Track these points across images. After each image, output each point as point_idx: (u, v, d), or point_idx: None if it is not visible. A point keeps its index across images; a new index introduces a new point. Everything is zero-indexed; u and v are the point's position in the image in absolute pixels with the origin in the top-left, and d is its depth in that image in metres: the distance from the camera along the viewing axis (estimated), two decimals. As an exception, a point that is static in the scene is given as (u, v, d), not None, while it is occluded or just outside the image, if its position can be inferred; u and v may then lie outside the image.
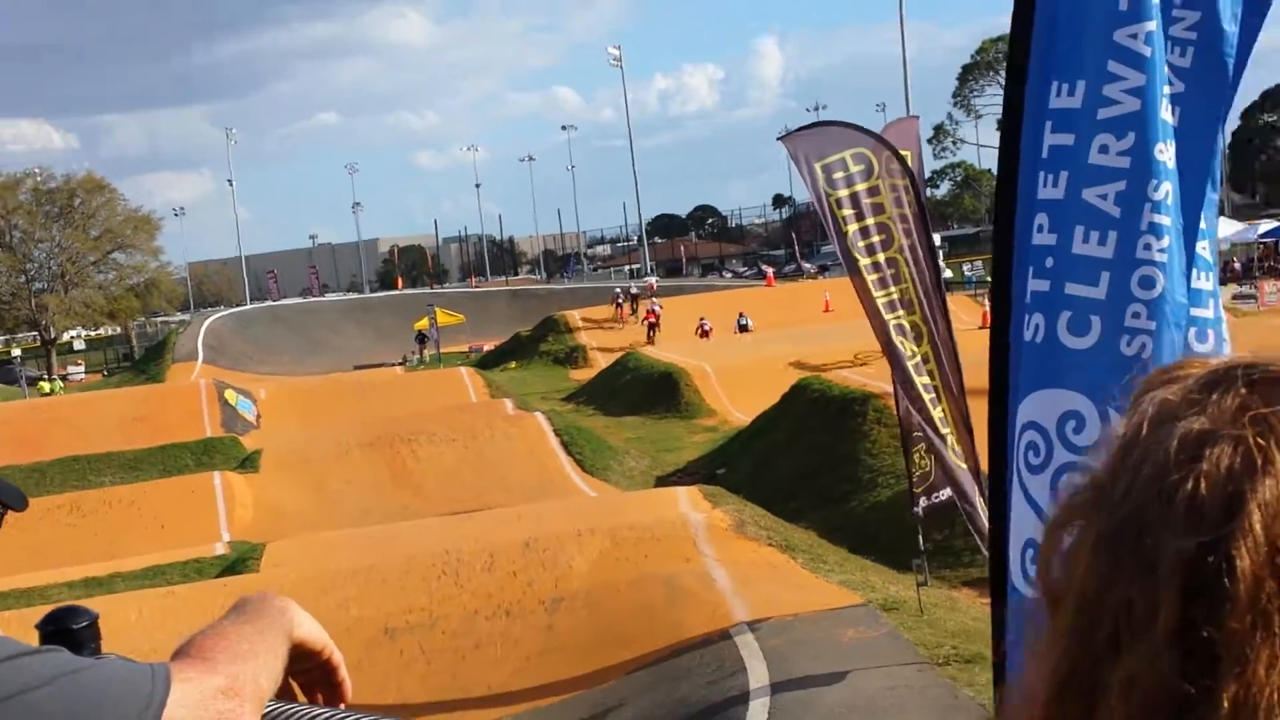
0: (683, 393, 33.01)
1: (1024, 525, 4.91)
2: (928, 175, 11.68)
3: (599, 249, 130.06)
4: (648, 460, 26.99)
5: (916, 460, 11.69)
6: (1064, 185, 4.74)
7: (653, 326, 50.20)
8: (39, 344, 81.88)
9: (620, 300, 56.27)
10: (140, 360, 68.31)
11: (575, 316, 53.37)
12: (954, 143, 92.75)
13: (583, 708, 11.45)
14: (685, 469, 26.04)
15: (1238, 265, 55.48)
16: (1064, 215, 4.73)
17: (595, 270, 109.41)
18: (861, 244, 9.29)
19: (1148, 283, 4.52)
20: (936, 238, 11.47)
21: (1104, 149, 4.67)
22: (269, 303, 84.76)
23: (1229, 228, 48.63)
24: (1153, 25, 4.49)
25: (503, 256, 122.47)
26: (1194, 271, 4.72)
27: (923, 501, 11.79)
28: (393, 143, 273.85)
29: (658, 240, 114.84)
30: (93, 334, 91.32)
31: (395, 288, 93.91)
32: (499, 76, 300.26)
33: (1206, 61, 4.58)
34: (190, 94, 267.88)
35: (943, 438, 9.78)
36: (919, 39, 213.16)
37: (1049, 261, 4.81)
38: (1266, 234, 55.24)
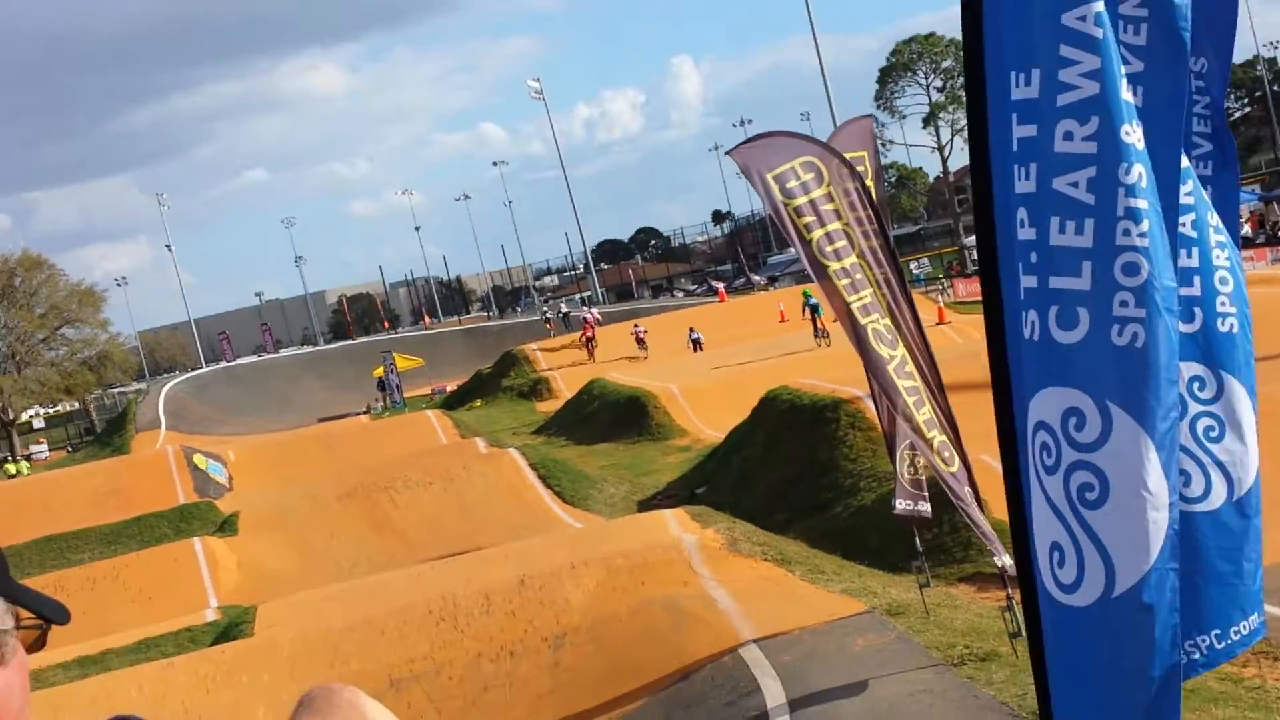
0: (652, 415, 32.98)
1: (1047, 528, 4.94)
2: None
3: (547, 280, 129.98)
4: (626, 486, 26.95)
5: (905, 465, 11.75)
6: (1035, 177, 4.78)
7: (589, 340, 50.78)
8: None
9: (550, 317, 56.75)
10: (103, 433, 67.58)
11: (533, 350, 53.31)
12: (883, 144, 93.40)
13: (601, 742, 11.41)
14: (665, 491, 26.02)
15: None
16: (1040, 208, 4.77)
17: (546, 301, 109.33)
18: (828, 249, 9.34)
19: (1132, 269, 4.54)
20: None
21: (1068, 135, 4.70)
22: (224, 364, 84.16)
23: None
24: (1099, 5, 4.51)
25: (452, 296, 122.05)
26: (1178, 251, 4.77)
27: (904, 504, 11.86)
28: (326, 193, 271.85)
29: (604, 266, 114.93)
30: (51, 411, 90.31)
31: (349, 337, 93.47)
32: (423, 119, 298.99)
33: (1161, 37, 4.60)
34: (114, 164, 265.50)
35: (928, 442, 9.83)
36: (832, 47, 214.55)
37: (1033, 256, 4.84)
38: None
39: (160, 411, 60.26)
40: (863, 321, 9.67)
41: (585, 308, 52.75)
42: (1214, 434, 5.18)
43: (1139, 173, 4.50)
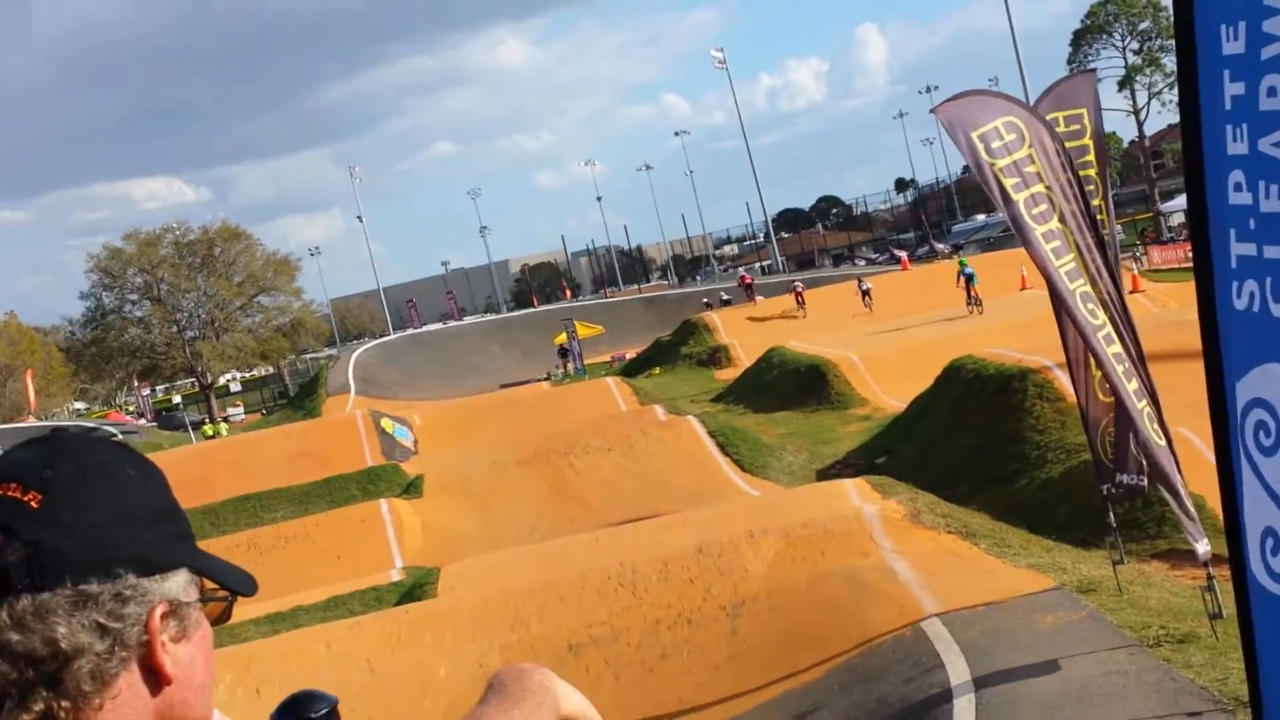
0: (832, 384, 32.59)
1: (1261, 512, 4.61)
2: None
3: (726, 249, 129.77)
4: (805, 454, 26.69)
5: (1105, 440, 11.28)
6: (1246, 138, 4.44)
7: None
8: (197, 389, 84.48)
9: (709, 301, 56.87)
10: (295, 397, 69.90)
11: (713, 317, 53.16)
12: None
13: (779, 713, 11.26)
14: (844, 460, 25.70)
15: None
16: (1251, 171, 4.44)
17: (725, 270, 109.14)
18: (1034, 210, 8.97)
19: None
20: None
21: (1272, 91, 4.35)
22: (411, 331, 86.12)
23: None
24: None
25: (632, 265, 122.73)
26: None
27: (1121, 478, 11.36)
28: (511, 165, 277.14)
29: (785, 235, 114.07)
30: (247, 375, 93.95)
31: (531, 305, 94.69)
32: (607, 91, 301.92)
33: None
34: (310, 138, 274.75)
35: (1141, 413, 9.39)
36: (1023, 10, 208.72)
37: (1251, 223, 4.51)
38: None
39: (350, 376, 61.97)
40: (1070, 286, 9.27)
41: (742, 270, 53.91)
42: None
43: None
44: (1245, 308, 4.56)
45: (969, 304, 40.90)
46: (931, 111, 9.17)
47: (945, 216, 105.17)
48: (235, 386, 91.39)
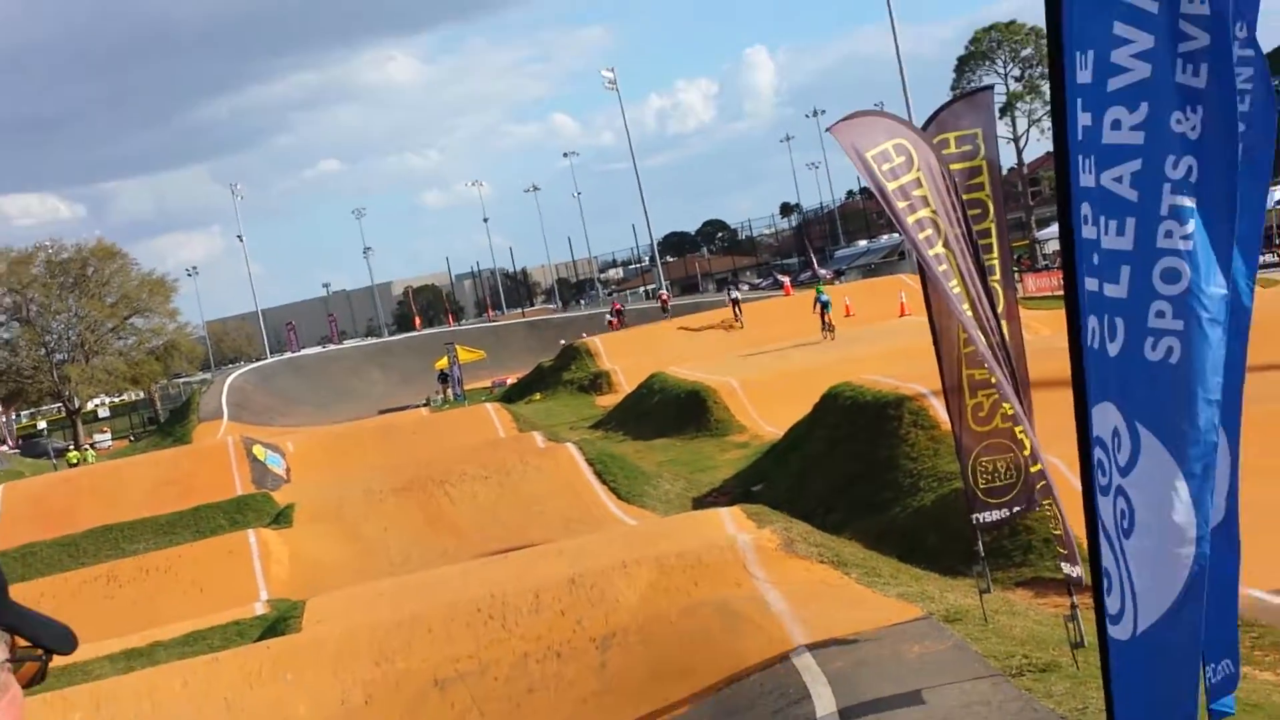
0: (711, 410, 32.62)
1: (1103, 552, 4.54)
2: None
3: (612, 272, 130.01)
4: (683, 483, 26.63)
5: (978, 470, 11.28)
6: (1093, 171, 4.35)
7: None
8: (64, 415, 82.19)
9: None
10: (166, 423, 68.35)
11: (594, 342, 53.07)
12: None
13: (646, 748, 11.09)
14: (721, 488, 25.68)
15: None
16: (1096, 205, 4.35)
17: (610, 294, 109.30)
18: (922, 235, 8.92)
19: (1171, 276, 4.07)
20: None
21: (1116, 125, 4.25)
22: (289, 355, 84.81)
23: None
24: None
25: (517, 289, 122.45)
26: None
27: (991, 515, 11.38)
28: (397, 184, 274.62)
29: (670, 259, 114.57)
30: (116, 400, 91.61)
31: (413, 329, 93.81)
32: (495, 110, 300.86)
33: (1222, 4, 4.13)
34: (191, 154, 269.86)
35: (1017, 440, 9.40)
36: (910, 35, 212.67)
37: (1095, 258, 4.43)
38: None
39: (223, 402, 60.79)
40: (960, 308, 9.23)
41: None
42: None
43: (1188, 167, 4.04)
44: (1089, 343, 4.47)
45: (823, 330, 43.04)
46: (827, 130, 9.09)
47: (829, 242, 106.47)
48: (104, 412, 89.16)
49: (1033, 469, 10.65)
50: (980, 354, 9.42)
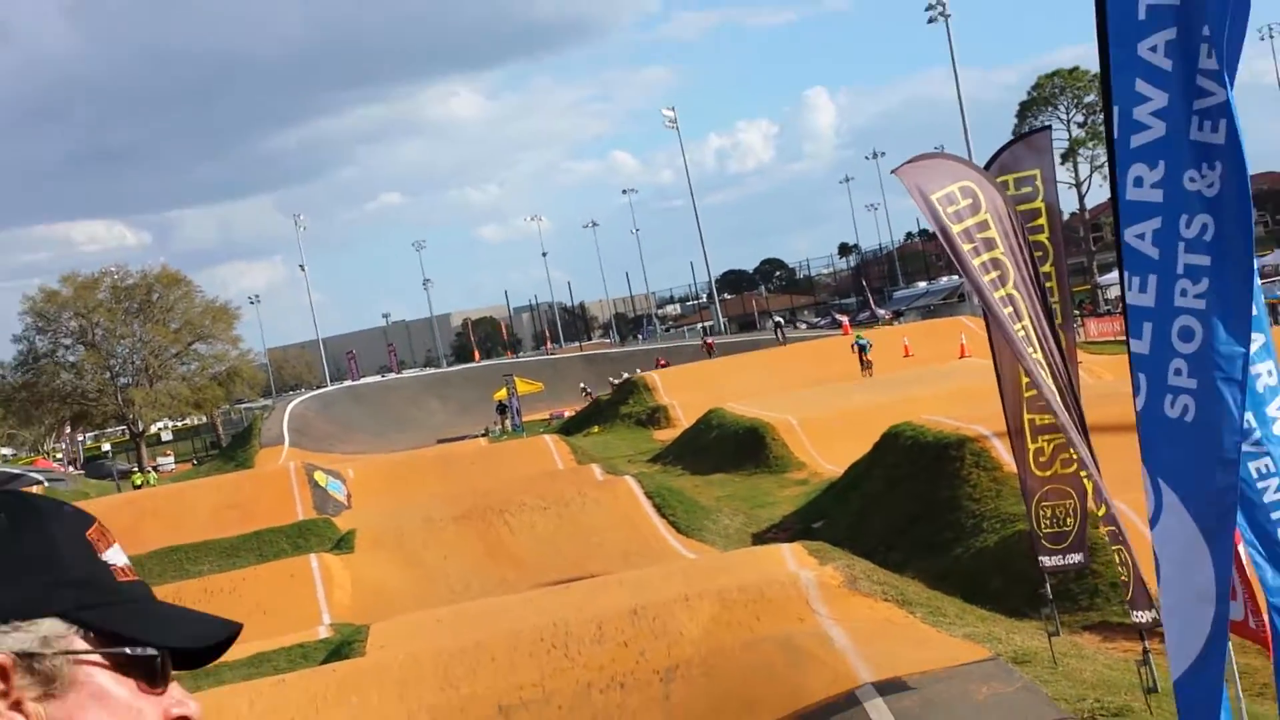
0: (770, 447, 32.58)
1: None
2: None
3: (669, 308, 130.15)
4: (741, 518, 26.61)
5: (1048, 514, 11.26)
6: (1119, 227, 4.38)
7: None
8: (128, 438, 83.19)
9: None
10: (228, 447, 69.03)
11: (652, 377, 53.14)
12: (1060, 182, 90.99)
13: (710, 780, 11.09)
14: (780, 524, 25.62)
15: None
16: (1126, 261, 4.36)
17: (668, 330, 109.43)
18: (990, 277, 8.92)
19: (1186, 334, 4.07)
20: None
21: (1138, 182, 4.24)
22: (349, 383, 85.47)
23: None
24: (1172, 33, 4.03)
25: (574, 322, 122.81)
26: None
27: (1052, 560, 11.36)
28: (457, 218, 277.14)
29: (727, 296, 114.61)
30: (179, 424, 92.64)
31: (471, 360, 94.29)
32: (556, 146, 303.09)
33: (1234, 56, 4.11)
34: (257, 185, 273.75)
35: (1084, 485, 9.35)
36: (971, 81, 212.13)
37: (1126, 313, 4.47)
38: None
39: (284, 428, 61.33)
40: (1026, 351, 9.22)
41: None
42: None
43: (1203, 225, 4.03)
44: (1135, 395, 4.45)
45: (863, 370, 47.09)
46: (892, 172, 9.14)
47: (887, 282, 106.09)
48: (167, 435, 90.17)
49: (1098, 513, 10.59)
50: (1044, 397, 9.40)
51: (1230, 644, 4.55)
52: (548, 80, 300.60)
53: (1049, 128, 11.64)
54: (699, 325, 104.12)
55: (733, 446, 33.74)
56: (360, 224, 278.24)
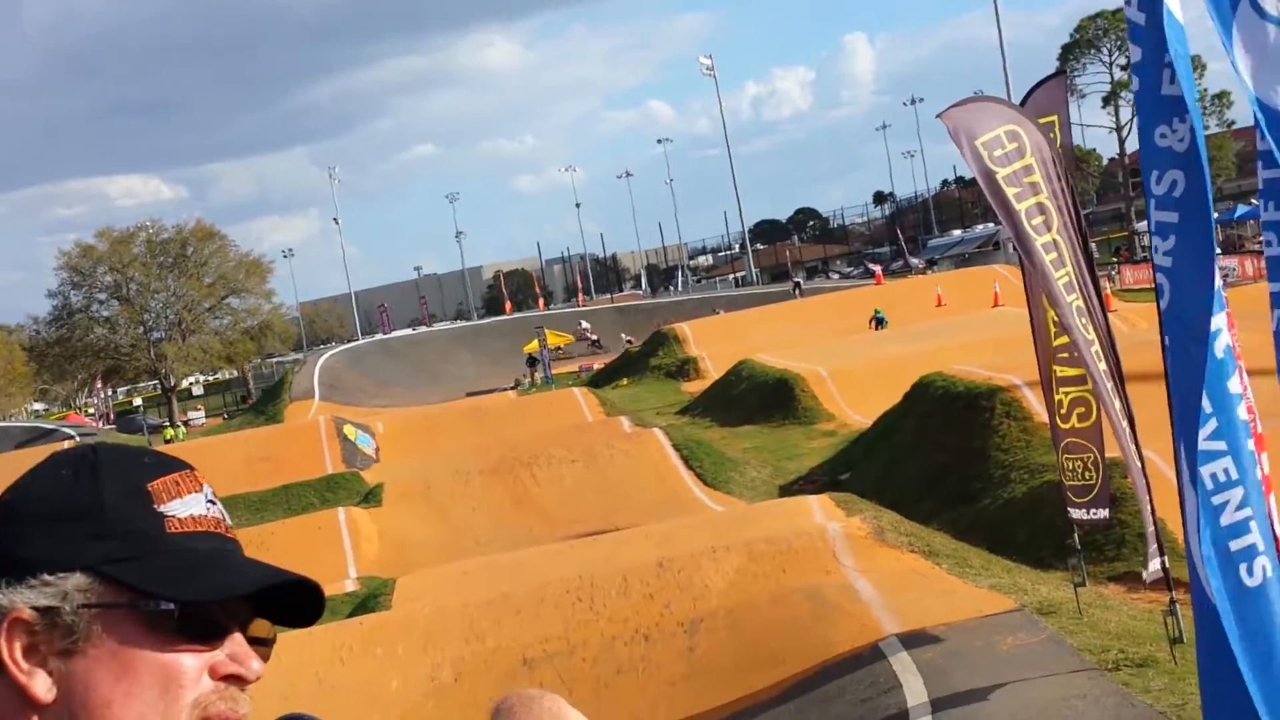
0: (799, 398, 32.45)
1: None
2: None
3: (701, 259, 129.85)
4: (769, 470, 26.54)
5: (1071, 466, 11.12)
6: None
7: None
8: (159, 392, 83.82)
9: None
10: (258, 401, 69.38)
11: (683, 328, 53.01)
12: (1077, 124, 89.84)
13: (734, 732, 11.07)
14: (808, 476, 25.54)
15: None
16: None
17: (699, 281, 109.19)
18: (1036, 221, 8.72)
19: (1160, 291, 4.09)
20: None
21: (1163, 135, 4.29)
22: (380, 336, 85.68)
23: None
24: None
25: (606, 274, 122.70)
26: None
27: (1078, 513, 11.23)
28: (491, 169, 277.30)
29: (760, 246, 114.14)
30: (210, 379, 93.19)
31: (503, 312, 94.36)
32: (592, 96, 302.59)
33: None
34: (291, 138, 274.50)
35: (1124, 433, 9.19)
36: (1013, 23, 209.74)
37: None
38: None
39: (315, 382, 61.54)
40: (1067, 299, 9.03)
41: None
42: None
43: (1172, 181, 3.95)
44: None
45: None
46: (938, 116, 8.93)
47: (921, 231, 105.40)
48: (198, 390, 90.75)
49: (1135, 464, 10.43)
50: (1078, 345, 9.24)
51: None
52: (584, 28, 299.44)
53: (1063, 72, 11.39)
54: (730, 275, 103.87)
55: (761, 398, 33.64)
56: (394, 176, 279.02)
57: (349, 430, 34.94)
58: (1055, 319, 11.19)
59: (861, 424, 27.69)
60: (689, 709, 11.82)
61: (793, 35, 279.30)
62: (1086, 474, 10.91)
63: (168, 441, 54.79)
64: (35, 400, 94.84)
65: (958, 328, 38.64)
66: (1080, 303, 8.96)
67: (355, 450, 33.40)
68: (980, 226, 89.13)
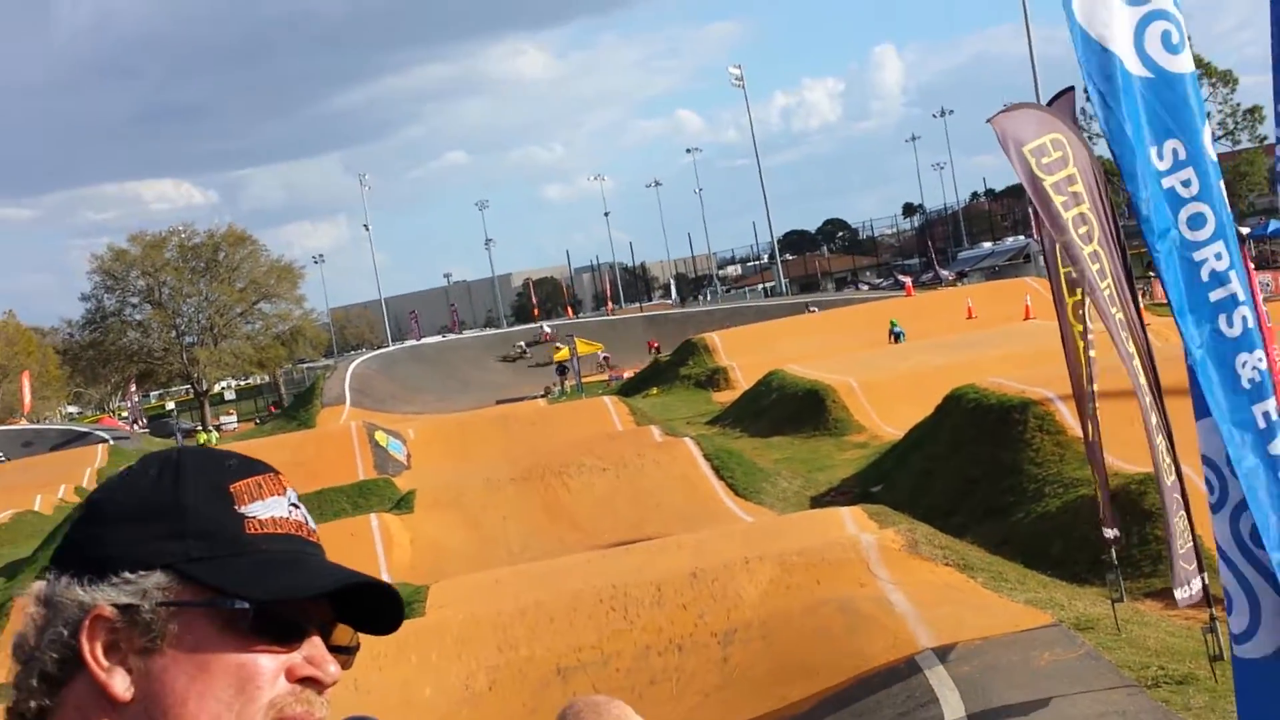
0: (830, 409, 32.40)
1: (1224, 573, 4.48)
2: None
3: (730, 269, 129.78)
4: (800, 481, 26.49)
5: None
6: None
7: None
8: (192, 396, 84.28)
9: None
10: (290, 407, 69.65)
11: (713, 338, 52.98)
12: (1090, 137, 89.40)
13: (767, 744, 11.07)
14: (839, 488, 25.50)
15: None
16: None
17: (728, 291, 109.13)
18: (1081, 231, 8.68)
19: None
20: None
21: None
22: (410, 343, 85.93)
23: None
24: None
25: (635, 283, 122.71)
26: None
27: (1106, 531, 11.20)
28: (521, 177, 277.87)
29: (789, 257, 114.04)
30: (242, 383, 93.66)
31: (532, 320, 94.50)
32: (622, 105, 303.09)
33: None
34: (322, 144, 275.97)
35: (1158, 448, 9.14)
36: (1043, 37, 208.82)
37: None
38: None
39: (346, 387, 61.78)
40: (1110, 311, 8.98)
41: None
42: None
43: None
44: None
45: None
46: (987, 121, 8.90)
47: (951, 243, 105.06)
48: (230, 394, 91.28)
49: (1167, 480, 10.35)
50: (1121, 358, 9.19)
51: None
52: (614, 37, 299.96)
53: (1071, 89, 11.33)
54: (759, 285, 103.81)
55: (792, 409, 33.60)
56: (424, 183, 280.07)
57: (380, 436, 35.07)
58: (1082, 333, 11.19)
59: (893, 436, 27.64)
60: (724, 718, 11.82)
61: (822, 46, 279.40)
62: (1099, 491, 10.90)
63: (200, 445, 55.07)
64: (69, 403, 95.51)
65: (989, 340, 38.54)
66: (1121, 315, 8.93)
67: (387, 456, 33.52)
68: (1010, 239, 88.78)
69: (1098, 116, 4.42)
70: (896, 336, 46.87)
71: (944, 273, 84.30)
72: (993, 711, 9.33)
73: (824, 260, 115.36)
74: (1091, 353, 11.17)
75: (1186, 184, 4.44)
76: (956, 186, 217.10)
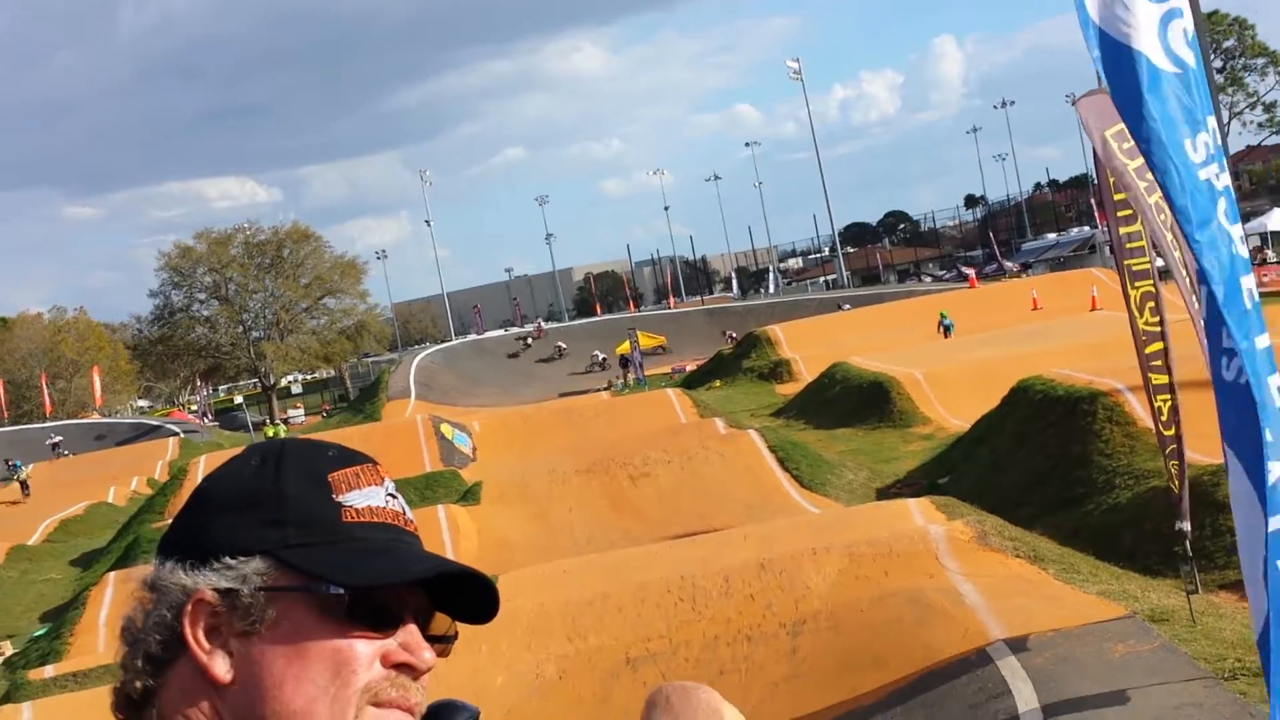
0: (895, 401, 32.25)
1: None
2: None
3: (791, 262, 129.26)
4: (866, 472, 26.39)
5: (1171, 473, 11.00)
6: None
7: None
8: (259, 390, 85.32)
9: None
10: (356, 400, 70.29)
11: (777, 330, 52.87)
12: None
13: (838, 734, 11.07)
14: (905, 480, 25.38)
15: None
16: None
17: (789, 284, 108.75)
18: (1161, 218, 8.61)
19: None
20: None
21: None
22: (473, 336, 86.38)
23: None
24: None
25: (696, 276, 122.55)
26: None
27: (1178, 524, 11.10)
28: (579, 172, 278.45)
29: (850, 249, 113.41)
30: (308, 377, 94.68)
31: (593, 314, 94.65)
32: (679, 100, 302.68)
33: None
34: (384, 141, 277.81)
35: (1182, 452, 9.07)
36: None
37: None
38: None
39: (411, 381, 62.22)
40: (1191, 299, 8.90)
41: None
42: None
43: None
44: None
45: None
46: (1072, 104, 8.85)
47: (1014, 235, 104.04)
48: (296, 388, 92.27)
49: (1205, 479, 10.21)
50: (1201, 343, 9.09)
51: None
52: (673, 33, 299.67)
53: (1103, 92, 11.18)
54: (820, 278, 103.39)
55: (856, 401, 33.48)
56: (484, 179, 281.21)
57: (446, 429, 35.31)
58: (1155, 324, 11.08)
59: (959, 427, 27.47)
60: (792, 710, 11.82)
61: (880, 38, 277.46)
62: (1173, 483, 10.79)
63: (269, 439, 55.73)
64: (139, 398, 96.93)
65: (1055, 331, 38.20)
66: (1198, 304, 8.83)
67: (453, 449, 33.75)
68: (1075, 230, 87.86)
69: (1122, 113, 4.43)
70: (946, 329, 46.67)
71: (1008, 264, 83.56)
72: (1067, 703, 9.27)
73: (885, 252, 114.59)
74: (1169, 343, 11.06)
75: (1219, 175, 4.48)
76: (1019, 177, 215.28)
